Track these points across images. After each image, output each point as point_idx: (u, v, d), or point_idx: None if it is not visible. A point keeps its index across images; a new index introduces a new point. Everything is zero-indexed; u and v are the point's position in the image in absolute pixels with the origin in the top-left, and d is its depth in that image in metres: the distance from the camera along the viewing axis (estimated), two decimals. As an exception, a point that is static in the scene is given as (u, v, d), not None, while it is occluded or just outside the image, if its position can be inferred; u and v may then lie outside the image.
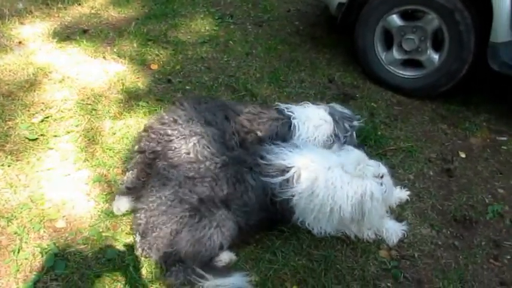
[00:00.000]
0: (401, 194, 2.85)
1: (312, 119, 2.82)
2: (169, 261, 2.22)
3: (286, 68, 4.05)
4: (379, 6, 3.69)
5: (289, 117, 2.80)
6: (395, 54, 3.77)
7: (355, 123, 2.92)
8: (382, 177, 2.42)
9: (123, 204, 2.56)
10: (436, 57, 3.61)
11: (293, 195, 2.38)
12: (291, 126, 2.78)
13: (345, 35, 4.41)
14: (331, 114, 2.88)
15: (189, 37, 4.38)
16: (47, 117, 3.18)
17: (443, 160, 3.22)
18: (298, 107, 2.92)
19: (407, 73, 3.79)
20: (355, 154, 2.47)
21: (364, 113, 3.57)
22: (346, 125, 2.87)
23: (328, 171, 2.40)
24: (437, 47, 3.61)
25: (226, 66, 4.02)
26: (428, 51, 3.63)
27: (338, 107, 2.99)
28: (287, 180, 2.38)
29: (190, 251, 2.20)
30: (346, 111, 2.98)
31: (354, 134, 2.94)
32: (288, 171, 2.40)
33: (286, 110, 2.85)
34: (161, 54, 4.05)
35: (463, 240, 2.66)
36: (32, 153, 2.90)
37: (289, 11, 5.12)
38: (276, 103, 3.00)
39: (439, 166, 3.17)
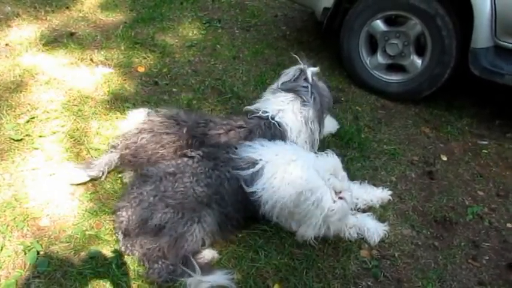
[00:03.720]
0: (383, 194, 2.89)
1: (285, 109, 2.84)
2: (152, 258, 2.23)
3: (273, 72, 4.08)
4: (363, 11, 3.75)
5: (268, 118, 2.82)
6: (380, 58, 3.83)
7: (309, 72, 2.91)
8: (341, 197, 2.34)
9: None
10: (419, 61, 3.68)
11: (258, 188, 2.40)
12: (279, 125, 2.80)
13: (331, 39, 4.48)
14: (287, 89, 2.89)
15: (176, 41, 4.41)
16: (33, 118, 3.18)
17: (425, 163, 3.28)
18: (264, 102, 2.93)
19: (391, 77, 3.86)
20: (334, 161, 2.46)
21: (348, 116, 3.63)
22: (303, 83, 2.88)
23: (290, 164, 2.41)
24: (420, 51, 3.68)
25: (213, 70, 4.05)
26: (411, 56, 3.69)
27: (285, 77, 2.99)
28: (256, 173, 2.41)
29: (173, 246, 2.23)
30: (294, 72, 2.97)
31: (315, 81, 2.93)
32: (256, 164, 2.43)
33: (260, 112, 2.85)
34: (148, 57, 4.08)
35: (442, 241, 2.70)
36: (17, 153, 2.90)
37: (277, 16, 5.18)
38: (246, 108, 3.01)
39: (421, 168, 3.22)
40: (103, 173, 2.75)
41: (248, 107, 2.99)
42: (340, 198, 2.33)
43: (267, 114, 2.83)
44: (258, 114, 2.85)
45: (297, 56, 3.02)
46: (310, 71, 2.93)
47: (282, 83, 2.97)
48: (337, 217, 2.34)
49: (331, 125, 3.32)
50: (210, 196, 2.35)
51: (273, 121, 2.80)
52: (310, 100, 2.85)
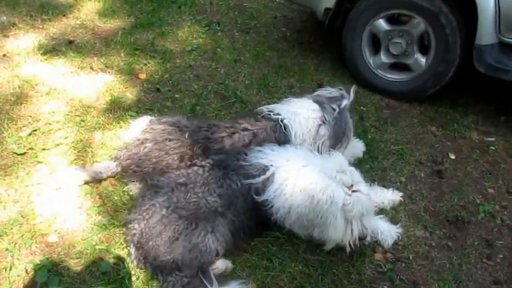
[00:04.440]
0: (393, 196, 2.86)
1: (300, 112, 2.81)
2: (166, 271, 2.20)
3: (275, 74, 4.06)
4: (365, 11, 3.72)
5: (278, 120, 2.78)
6: (383, 58, 3.80)
7: (345, 102, 2.87)
8: (354, 190, 2.30)
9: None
10: (423, 60, 3.65)
11: (269, 195, 2.36)
12: (285, 128, 2.76)
13: (332, 40, 4.45)
14: (316, 101, 2.86)
15: (176, 45, 4.37)
16: (35, 131, 3.13)
17: (433, 162, 3.25)
18: (282, 105, 2.91)
19: (395, 76, 3.83)
20: (338, 159, 2.44)
21: (354, 116, 3.58)
22: (334, 106, 2.84)
23: (301, 170, 2.38)
24: (424, 50, 3.65)
25: (215, 74, 4.01)
26: (415, 55, 3.66)
27: (325, 91, 2.96)
28: (267, 180, 2.37)
29: (187, 258, 2.19)
30: (334, 93, 2.93)
31: (346, 112, 2.90)
32: (267, 170, 2.39)
33: (272, 113, 2.82)
34: (149, 63, 4.03)
35: (456, 241, 2.68)
36: (20, 167, 2.85)
37: (276, 17, 5.13)
38: (259, 108, 2.96)
39: (430, 168, 3.20)
40: (100, 175, 2.75)
41: (262, 107, 2.93)
42: (354, 191, 2.29)
43: (278, 116, 2.80)
44: (268, 116, 2.82)
45: (353, 88, 2.97)
46: (347, 100, 2.89)
47: (317, 95, 2.95)
48: (357, 210, 2.26)
49: (356, 148, 3.21)
50: (222, 206, 2.31)
51: (281, 123, 2.77)
52: (331, 122, 2.80)
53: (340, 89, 2.94)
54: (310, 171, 2.36)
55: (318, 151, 2.77)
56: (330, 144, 2.81)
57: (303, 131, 2.77)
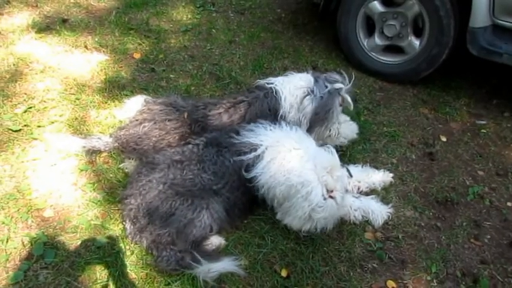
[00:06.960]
0: (385, 177, 2.90)
1: (292, 81, 2.84)
2: (161, 246, 2.24)
3: (270, 56, 4.06)
4: (360, -8, 3.71)
5: (270, 88, 2.82)
6: (377, 40, 3.81)
7: (339, 84, 2.86)
8: (331, 196, 2.28)
9: None
10: (417, 42, 3.66)
11: (257, 172, 2.39)
12: (276, 93, 2.80)
13: (327, 22, 4.44)
14: (313, 76, 2.88)
15: (171, 25, 4.35)
16: (30, 108, 3.15)
17: (425, 144, 3.29)
18: (279, 77, 2.94)
19: (389, 59, 3.84)
20: (334, 159, 2.39)
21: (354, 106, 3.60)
22: (328, 84, 2.83)
23: (291, 152, 2.38)
24: (418, 32, 3.66)
25: (209, 55, 4.01)
26: (409, 37, 3.67)
27: (328, 73, 2.96)
28: (257, 157, 2.39)
29: (182, 232, 2.24)
30: (334, 76, 2.93)
31: (337, 98, 2.88)
32: (258, 148, 2.42)
33: (266, 83, 2.87)
34: (144, 43, 4.02)
35: (444, 221, 2.73)
36: (16, 143, 2.87)
37: (271, -2, 5.11)
38: (256, 81, 3.00)
39: (421, 150, 3.24)
40: (98, 149, 2.80)
41: (259, 80, 2.98)
42: (331, 197, 2.29)
43: (270, 85, 2.83)
44: (260, 85, 2.86)
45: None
46: (342, 85, 2.87)
47: (319, 73, 2.95)
48: (324, 215, 2.28)
49: (350, 130, 3.19)
50: (217, 183, 2.35)
51: (273, 88, 2.80)
52: (317, 96, 2.79)
53: (341, 75, 2.94)
54: (300, 157, 2.37)
55: (300, 125, 2.80)
56: (311, 119, 2.81)
57: (291, 97, 2.80)
